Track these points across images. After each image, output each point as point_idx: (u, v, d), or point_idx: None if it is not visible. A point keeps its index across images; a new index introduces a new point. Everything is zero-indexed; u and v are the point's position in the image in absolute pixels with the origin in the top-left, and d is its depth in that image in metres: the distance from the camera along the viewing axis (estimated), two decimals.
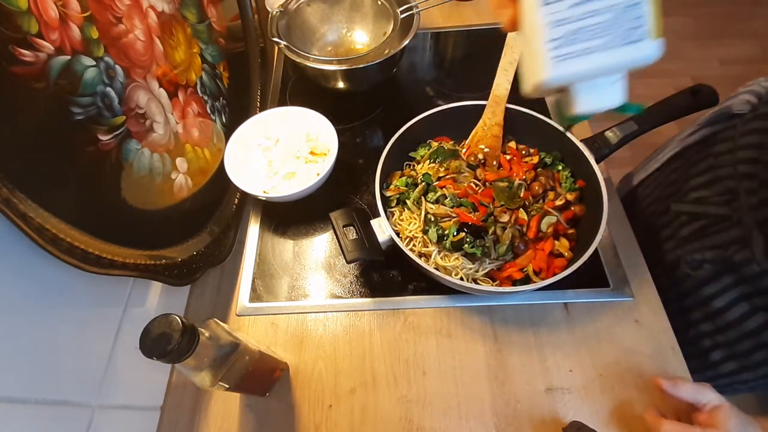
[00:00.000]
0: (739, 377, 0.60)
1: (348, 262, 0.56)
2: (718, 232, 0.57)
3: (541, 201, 0.61)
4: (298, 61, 0.74)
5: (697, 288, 0.59)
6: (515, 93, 0.64)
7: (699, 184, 0.61)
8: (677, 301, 0.61)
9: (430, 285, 0.62)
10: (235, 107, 0.73)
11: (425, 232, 0.59)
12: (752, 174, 0.53)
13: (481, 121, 0.66)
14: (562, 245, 0.58)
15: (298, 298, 0.63)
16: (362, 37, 0.88)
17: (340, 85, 0.78)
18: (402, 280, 0.63)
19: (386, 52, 0.75)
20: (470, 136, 0.67)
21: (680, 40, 2.13)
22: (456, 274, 0.57)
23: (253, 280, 0.65)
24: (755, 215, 0.52)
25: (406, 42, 0.74)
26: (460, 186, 0.61)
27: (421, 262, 0.54)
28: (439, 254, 0.58)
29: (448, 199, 0.60)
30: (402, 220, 0.63)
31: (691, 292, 0.60)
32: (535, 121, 0.65)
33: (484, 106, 0.66)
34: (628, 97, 0.36)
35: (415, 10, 0.77)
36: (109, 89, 0.44)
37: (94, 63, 0.42)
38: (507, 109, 0.65)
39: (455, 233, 0.57)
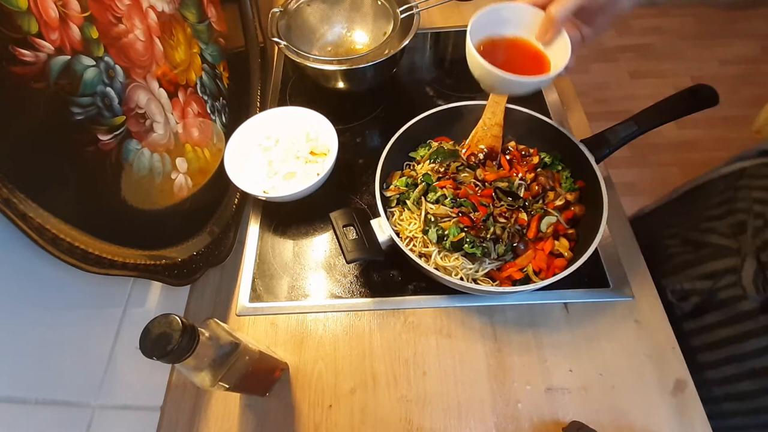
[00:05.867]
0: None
1: (348, 262, 0.56)
2: (715, 259, 0.56)
3: (541, 201, 0.61)
4: (298, 61, 0.74)
5: (677, 321, 0.58)
6: None
7: (713, 215, 0.60)
8: None
9: (430, 285, 0.62)
10: (235, 107, 0.73)
11: (425, 232, 0.59)
12: (762, 214, 0.52)
13: (481, 121, 0.66)
14: (562, 245, 0.58)
15: (298, 298, 0.63)
16: (362, 37, 0.88)
17: (340, 85, 0.78)
18: (402, 280, 0.63)
19: (386, 52, 0.75)
20: (470, 136, 0.67)
21: (680, 40, 2.13)
22: (456, 274, 0.57)
23: (253, 280, 0.65)
24: (754, 242, 0.52)
25: (406, 42, 0.74)
26: (460, 186, 0.61)
27: (421, 262, 0.54)
28: (439, 254, 0.58)
29: (448, 199, 0.60)
30: (402, 220, 0.62)
31: (672, 324, 0.58)
32: (535, 121, 0.65)
33: (484, 106, 0.66)
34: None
35: (415, 10, 0.77)
36: (109, 89, 0.44)
37: (94, 63, 0.42)
38: (507, 109, 0.65)
39: (455, 233, 0.57)
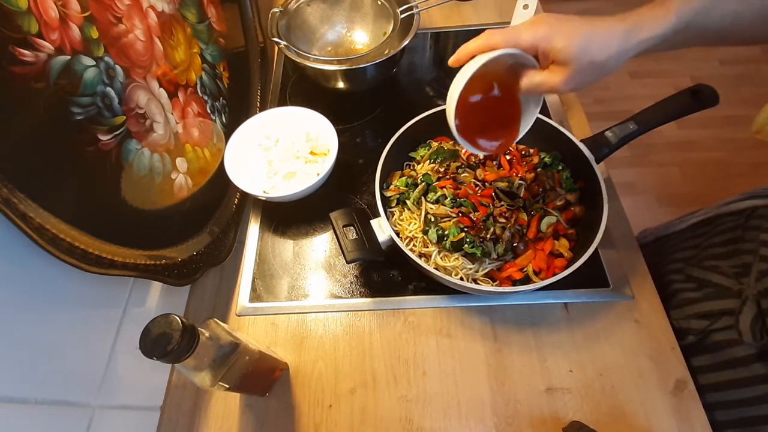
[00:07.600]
0: None
1: (348, 262, 0.56)
2: (713, 299, 0.55)
3: (541, 201, 0.61)
4: (298, 61, 0.74)
5: None
6: None
7: (718, 254, 0.59)
8: None
9: (430, 285, 0.62)
10: (235, 107, 0.73)
11: (425, 232, 0.59)
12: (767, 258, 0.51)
13: None
14: (562, 245, 0.58)
15: (298, 298, 0.63)
16: (362, 37, 0.88)
17: (340, 85, 0.78)
18: (402, 280, 0.63)
19: (386, 52, 0.75)
20: None
21: None
22: (456, 274, 0.57)
23: (253, 280, 0.65)
24: (757, 287, 0.50)
25: (406, 42, 0.74)
26: (460, 186, 0.61)
27: (421, 262, 0.54)
28: (439, 254, 0.58)
29: (448, 199, 0.60)
30: (402, 220, 0.63)
31: None
32: (535, 121, 0.65)
33: None
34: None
35: (415, 10, 0.77)
36: (109, 89, 0.44)
37: (94, 63, 0.42)
38: None
39: (455, 233, 0.57)
